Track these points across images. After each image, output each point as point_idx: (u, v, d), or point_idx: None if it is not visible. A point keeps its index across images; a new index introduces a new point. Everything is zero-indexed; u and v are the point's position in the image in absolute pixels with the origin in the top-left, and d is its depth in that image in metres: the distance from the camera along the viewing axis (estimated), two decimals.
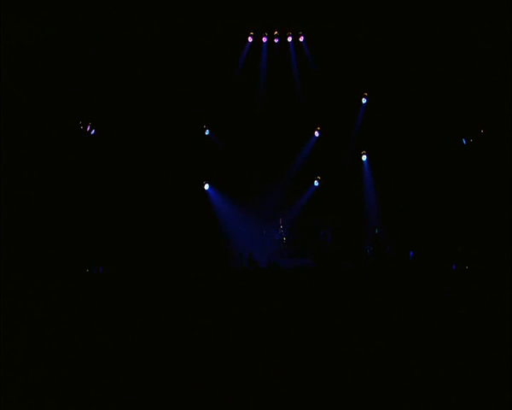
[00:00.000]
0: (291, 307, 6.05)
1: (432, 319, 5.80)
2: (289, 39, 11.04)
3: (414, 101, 10.91)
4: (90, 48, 10.35)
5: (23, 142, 9.34)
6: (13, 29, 9.03)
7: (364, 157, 11.39)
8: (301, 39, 11.05)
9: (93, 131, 10.56)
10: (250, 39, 11.00)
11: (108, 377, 4.39)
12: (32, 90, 9.69)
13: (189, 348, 4.91)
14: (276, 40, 11.08)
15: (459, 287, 7.13)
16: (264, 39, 11.05)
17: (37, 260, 8.22)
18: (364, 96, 11.30)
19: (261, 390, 4.24)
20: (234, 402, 4.10)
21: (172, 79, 11.03)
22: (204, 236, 11.04)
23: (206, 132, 11.51)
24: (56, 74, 10.18)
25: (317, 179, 11.43)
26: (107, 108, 10.90)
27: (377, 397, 4.21)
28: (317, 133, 11.59)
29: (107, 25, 10.23)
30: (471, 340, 5.08)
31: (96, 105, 10.73)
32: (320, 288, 6.90)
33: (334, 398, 4.21)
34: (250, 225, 11.23)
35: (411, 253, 9.97)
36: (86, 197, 10.41)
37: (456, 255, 9.43)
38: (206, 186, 11.42)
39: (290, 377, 4.43)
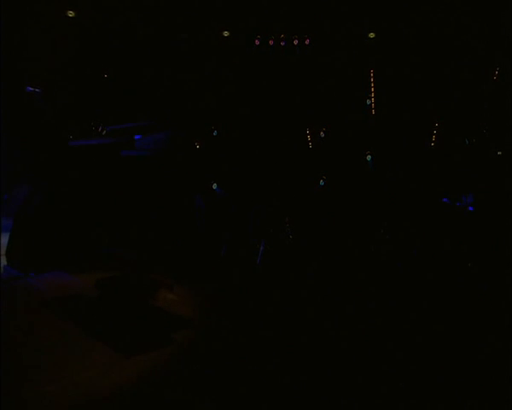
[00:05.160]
0: None
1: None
2: (295, 42, 11.27)
3: (418, 102, 11.07)
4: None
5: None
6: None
7: (369, 157, 11.54)
8: (307, 42, 11.27)
9: (104, 132, 10.80)
10: (257, 42, 11.28)
11: None
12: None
13: None
14: (282, 43, 11.32)
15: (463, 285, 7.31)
16: (271, 42, 11.31)
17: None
18: (369, 98, 11.47)
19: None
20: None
21: (178, 79, 11.26)
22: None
23: (214, 133, 11.74)
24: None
25: (323, 179, 11.54)
26: (113, 106, 11.19)
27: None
28: (322, 134, 11.77)
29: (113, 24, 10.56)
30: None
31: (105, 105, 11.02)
32: None
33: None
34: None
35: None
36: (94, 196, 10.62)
37: (459, 255, 9.54)
38: (214, 186, 11.59)
39: None
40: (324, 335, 5.65)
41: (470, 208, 10.00)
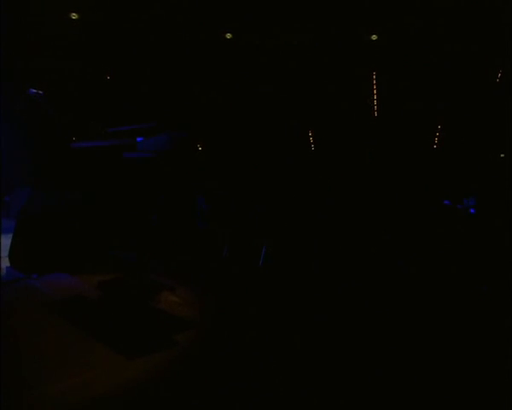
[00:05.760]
0: None
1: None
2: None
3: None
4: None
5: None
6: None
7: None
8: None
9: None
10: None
11: None
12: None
13: None
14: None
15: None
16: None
17: None
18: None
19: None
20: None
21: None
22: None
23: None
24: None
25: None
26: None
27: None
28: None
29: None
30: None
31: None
32: None
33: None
34: None
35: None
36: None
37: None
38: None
39: None
40: (327, 337, 5.65)
41: (472, 211, 10.03)
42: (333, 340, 5.55)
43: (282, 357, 5.04)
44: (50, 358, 4.79)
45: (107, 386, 4.36)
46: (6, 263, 7.72)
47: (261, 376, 4.63)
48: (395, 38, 11.06)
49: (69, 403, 4.06)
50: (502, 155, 10.64)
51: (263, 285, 7.85)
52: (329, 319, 6.26)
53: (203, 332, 5.73)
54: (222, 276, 8.27)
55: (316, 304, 6.83)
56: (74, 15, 10.71)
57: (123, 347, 5.12)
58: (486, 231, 9.33)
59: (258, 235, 9.63)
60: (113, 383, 4.42)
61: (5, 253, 7.78)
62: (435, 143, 11.32)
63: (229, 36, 11.33)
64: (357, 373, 4.77)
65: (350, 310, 6.56)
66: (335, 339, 5.58)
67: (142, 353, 5.01)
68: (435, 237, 9.62)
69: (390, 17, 10.79)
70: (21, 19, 9.48)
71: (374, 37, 11.14)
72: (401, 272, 8.44)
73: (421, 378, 4.67)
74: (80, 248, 8.30)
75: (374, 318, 6.25)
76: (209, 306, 6.68)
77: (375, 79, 11.50)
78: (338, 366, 4.93)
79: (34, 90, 9.93)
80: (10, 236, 7.91)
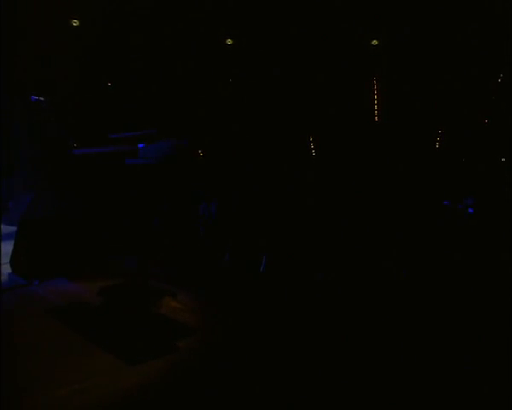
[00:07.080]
0: None
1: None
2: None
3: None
4: None
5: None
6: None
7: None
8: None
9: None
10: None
11: None
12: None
13: None
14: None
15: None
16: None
17: None
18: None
19: None
20: None
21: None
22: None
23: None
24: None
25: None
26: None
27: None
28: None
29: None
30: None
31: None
32: None
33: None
34: None
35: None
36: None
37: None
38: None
39: None
40: (329, 342, 5.63)
41: (470, 210, 10.05)
42: (334, 345, 5.54)
43: (283, 363, 5.02)
44: (50, 364, 4.80)
45: (107, 392, 4.36)
46: (8, 269, 7.73)
47: (262, 382, 4.61)
48: (396, 42, 11.08)
49: (77, 406, 4.09)
50: (503, 159, 10.63)
51: (264, 291, 7.83)
52: (330, 325, 6.24)
53: (204, 338, 5.72)
54: (224, 282, 8.26)
55: (317, 309, 6.82)
56: (75, 22, 10.76)
57: (123, 353, 5.13)
58: (486, 230, 9.31)
59: (259, 241, 9.60)
60: (113, 389, 4.42)
61: (6, 259, 7.79)
62: (436, 145, 11.30)
63: (229, 42, 11.36)
64: (357, 376, 4.76)
65: (352, 314, 6.55)
66: (336, 344, 5.57)
67: (142, 359, 5.01)
68: (439, 238, 9.59)
69: (391, 22, 10.82)
70: (21, 25, 9.54)
71: (374, 42, 11.17)
72: (403, 277, 8.41)
73: (423, 380, 4.65)
74: (81, 254, 8.31)
75: (375, 321, 6.24)
76: (210, 312, 6.67)
77: (376, 83, 11.52)
78: (338, 370, 4.92)
79: (36, 97, 9.97)
80: (12, 242, 7.92)
